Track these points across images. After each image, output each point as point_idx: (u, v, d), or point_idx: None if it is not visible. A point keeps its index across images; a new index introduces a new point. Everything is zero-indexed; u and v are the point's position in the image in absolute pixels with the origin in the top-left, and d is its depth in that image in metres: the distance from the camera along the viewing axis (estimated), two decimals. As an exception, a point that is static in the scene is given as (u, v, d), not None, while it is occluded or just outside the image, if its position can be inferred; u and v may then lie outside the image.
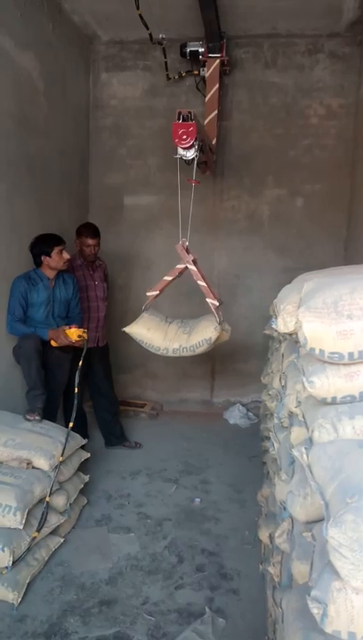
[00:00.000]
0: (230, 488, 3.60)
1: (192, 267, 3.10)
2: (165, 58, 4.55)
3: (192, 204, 3.14)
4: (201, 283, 3.10)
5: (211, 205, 4.95)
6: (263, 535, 2.40)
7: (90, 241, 3.88)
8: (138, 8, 3.61)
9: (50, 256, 3.36)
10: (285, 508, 1.57)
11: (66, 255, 3.41)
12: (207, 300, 3.11)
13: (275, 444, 2.06)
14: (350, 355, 1.29)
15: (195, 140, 2.88)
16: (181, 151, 2.95)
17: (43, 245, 3.37)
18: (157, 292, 3.21)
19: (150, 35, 4.15)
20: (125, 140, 5.02)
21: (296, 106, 4.71)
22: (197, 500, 3.42)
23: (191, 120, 2.85)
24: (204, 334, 3.08)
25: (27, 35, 3.60)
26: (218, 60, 4.29)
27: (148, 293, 3.23)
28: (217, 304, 3.11)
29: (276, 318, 1.78)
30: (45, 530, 2.58)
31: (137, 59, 4.91)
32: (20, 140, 3.56)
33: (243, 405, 5.08)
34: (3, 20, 3.28)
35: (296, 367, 1.75)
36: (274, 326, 1.76)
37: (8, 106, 3.41)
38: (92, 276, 4.00)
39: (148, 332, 3.17)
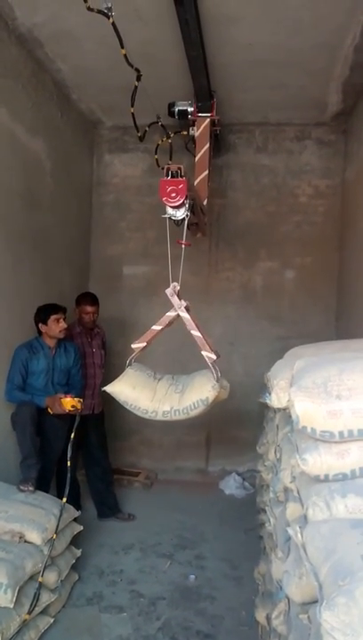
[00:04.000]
0: (226, 564, 3.50)
1: (185, 314, 2.70)
2: (167, 139, 4.50)
3: (182, 264, 2.87)
4: (195, 332, 2.70)
5: (206, 276, 5.15)
6: (260, 616, 2.33)
7: (88, 308, 4.02)
8: (132, 105, 3.58)
9: (47, 324, 3.47)
10: (281, 588, 1.56)
11: (62, 324, 3.49)
12: (202, 352, 2.69)
13: (271, 520, 2.06)
14: (341, 433, 1.35)
15: (185, 199, 2.63)
16: (169, 210, 2.71)
17: (41, 314, 3.48)
18: (145, 344, 2.81)
19: (148, 125, 4.38)
20: (125, 215, 5.29)
21: (286, 186, 5.04)
22: (192, 576, 3.31)
23: (181, 176, 2.62)
24: (199, 394, 2.64)
25: (37, 122, 3.92)
26: (208, 120, 4.04)
27: (133, 345, 2.82)
28: (214, 357, 2.69)
29: (269, 393, 1.85)
30: (36, 609, 2.49)
31: (138, 142, 5.28)
32: (26, 215, 3.77)
33: (239, 475, 5.01)
34: (16, 110, 3.59)
35: (290, 441, 1.80)
36: (267, 401, 1.83)
37: (17, 185, 3.65)
38: (90, 343, 4.10)
39: (133, 391, 2.75)
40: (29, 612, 2.42)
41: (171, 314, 2.74)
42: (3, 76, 3.40)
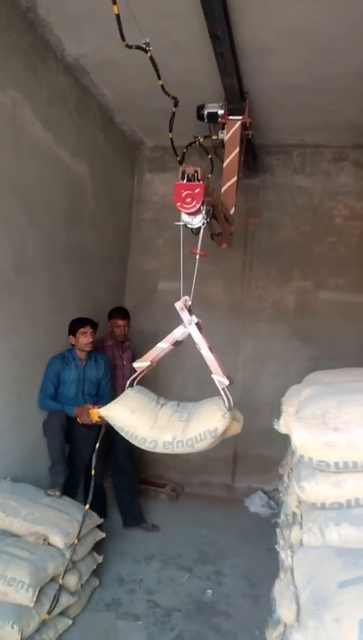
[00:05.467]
0: (245, 581, 3.53)
1: (196, 331, 2.43)
2: (195, 144, 4.38)
3: (195, 277, 2.57)
4: (206, 354, 2.41)
5: (239, 294, 5.22)
6: (270, 636, 2.36)
7: (120, 322, 4.23)
8: (171, 131, 3.69)
9: (75, 336, 3.66)
10: (276, 610, 1.62)
11: (88, 338, 3.65)
12: (214, 376, 2.39)
13: (280, 542, 2.11)
14: (336, 464, 1.41)
15: (202, 205, 2.38)
16: (185, 217, 2.46)
17: (71, 327, 3.69)
18: (148, 364, 2.53)
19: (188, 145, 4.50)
20: (162, 232, 5.45)
21: (322, 207, 5.06)
22: (209, 591, 3.37)
23: (198, 180, 2.38)
24: (207, 424, 2.31)
25: (80, 144, 4.14)
26: (239, 123, 3.76)
27: (135, 364, 2.57)
28: (227, 383, 2.37)
29: (278, 419, 1.91)
30: (55, 610, 2.62)
31: (177, 162, 5.45)
32: (67, 233, 3.99)
33: (264, 493, 5.01)
34: (61, 135, 3.82)
35: (297, 468, 1.86)
36: (275, 426, 1.90)
37: (60, 205, 3.87)
38: (121, 356, 4.26)
39: (131, 416, 2.43)
40: (49, 612, 2.56)
41: (179, 330, 2.48)
42: (50, 103, 3.64)
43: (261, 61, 3.52)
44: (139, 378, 2.61)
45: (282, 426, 1.85)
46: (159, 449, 2.39)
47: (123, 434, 2.48)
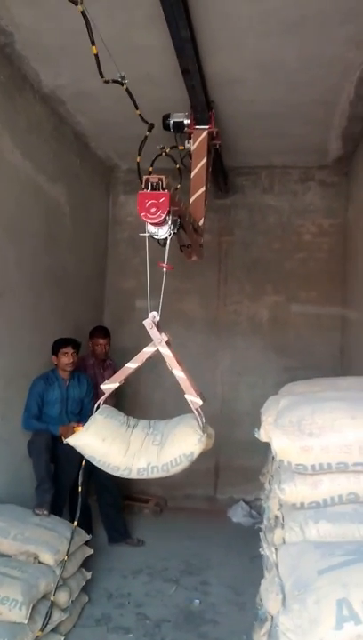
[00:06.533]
0: (230, 590, 3.62)
1: (165, 350, 2.32)
2: (161, 154, 4.02)
3: (163, 292, 2.51)
4: (177, 372, 2.30)
5: (215, 309, 5.41)
6: (258, 637, 2.47)
7: (100, 340, 4.36)
8: (139, 155, 3.58)
9: (57, 356, 3.76)
10: (262, 605, 1.74)
11: (69, 358, 3.75)
12: (186, 396, 2.27)
13: (264, 545, 2.24)
14: (313, 466, 1.56)
15: (167, 215, 2.24)
16: (151, 228, 2.33)
17: (54, 347, 3.79)
18: (117, 385, 2.44)
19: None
20: (139, 251, 5.57)
21: (291, 225, 5.31)
22: (197, 601, 3.45)
23: (162, 189, 2.25)
24: (182, 448, 2.22)
25: (57, 170, 4.27)
26: (206, 132, 3.67)
27: (103, 387, 2.44)
28: (200, 403, 2.27)
29: (258, 428, 2.06)
30: (48, 627, 2.66)
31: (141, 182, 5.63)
32: (46, 256, 4.09)
33: (246, 503, 5.13)
34: (39, 161, 3.94)
35: (278, 473, 2.00)
36: (256, 435, 2.04)
37: (39, 228, 3.98)
38: (102, 374, 4.35)
39: (102, 444, 2.29)
40: (42, 629, 2.61)
41: (149, 349, 2.35)
42: (28, 132, 3.77)
43: (229, 91, 3.74)
44: (105, 401, 2.49)
45: (262, 434, 1.99)
46: (133, 475, 2.28)
47: (94, 462, 2.35)
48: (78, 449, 2.37)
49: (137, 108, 3.29)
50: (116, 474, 2.31)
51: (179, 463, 2.22)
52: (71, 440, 2.38)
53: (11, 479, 3.55)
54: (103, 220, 5.56)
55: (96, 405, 2.47)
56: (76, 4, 2.27)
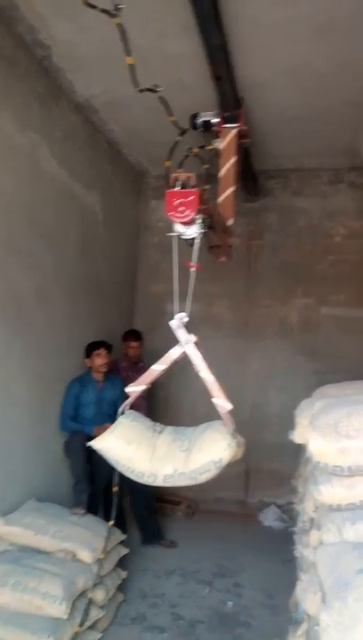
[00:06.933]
0: (263, 593, 3.63)
1: (194, 351, 2.24)
2: (189, 155, 3.92)
3: (191, 292, 2.43)
4: (205, 376, 2.21)
5: (244, 312, 5.42)
6: (294, 639, 2.48)
7: (133, 343, 4.44)
8: (168, 159, 3.56)
9: (91, 358, 3.86)
10: (300, 605, 1.75)
11: (102, 359, 3.85)
12: (214, 400, 2.19)
13: (299, 547, 2.25)
14: (350, 468, 1.57)
15: (196, 214, 2.19)
16: (179, 228, 2.26)
17: (87, 350, 3.89)
18: (143, 387, 2.38)
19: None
20: (168, 255, 5.61)
21: (321, 227, 5.28)
22: (230, 603, 3.47)
23: (191, 187, 2.20)
24: (211, 454, 2.12)
25: (92, 177, 4.38)
26: (235, 131, 3.58)
27: (128, 389, 2.39)
28: (230, 407, 2.19)
29: (292, 430, 2.07)
30: (86, 623, 2.73)
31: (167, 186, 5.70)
32: (81, 262, 4.20)
33: (278, 507, 5.11)
34: (74, 169, 4.05)
35: (314, 475, 2.02)
36: (291, 437, 2.06)
37: (75, 236, 4.09)
38: (134, 377, 4.38)
39: (127, 447, 2.21)
40: (80, 625, 2.67)
41: (176, 351, 2.27)
42: (64, 141, 3.88)
43: (259, 95, 3.77)
44: (130, 403, 2.43)
45: (297, 436, 2.01)
46: (159, 482, 2.17)
47: (118, 467, 2.26)
48: (102, 452, 2.28)
49: (171, 115, 3.35)
50: (141, 480, 2.20)
51: (207, 470, 2.13)
52: (96, 442, 2.28)
53: (49, 478, 3.65)
54: (134, 225, 5.66)
55: (121, 409, 2.40)
56: (114, 17, 2.34)
